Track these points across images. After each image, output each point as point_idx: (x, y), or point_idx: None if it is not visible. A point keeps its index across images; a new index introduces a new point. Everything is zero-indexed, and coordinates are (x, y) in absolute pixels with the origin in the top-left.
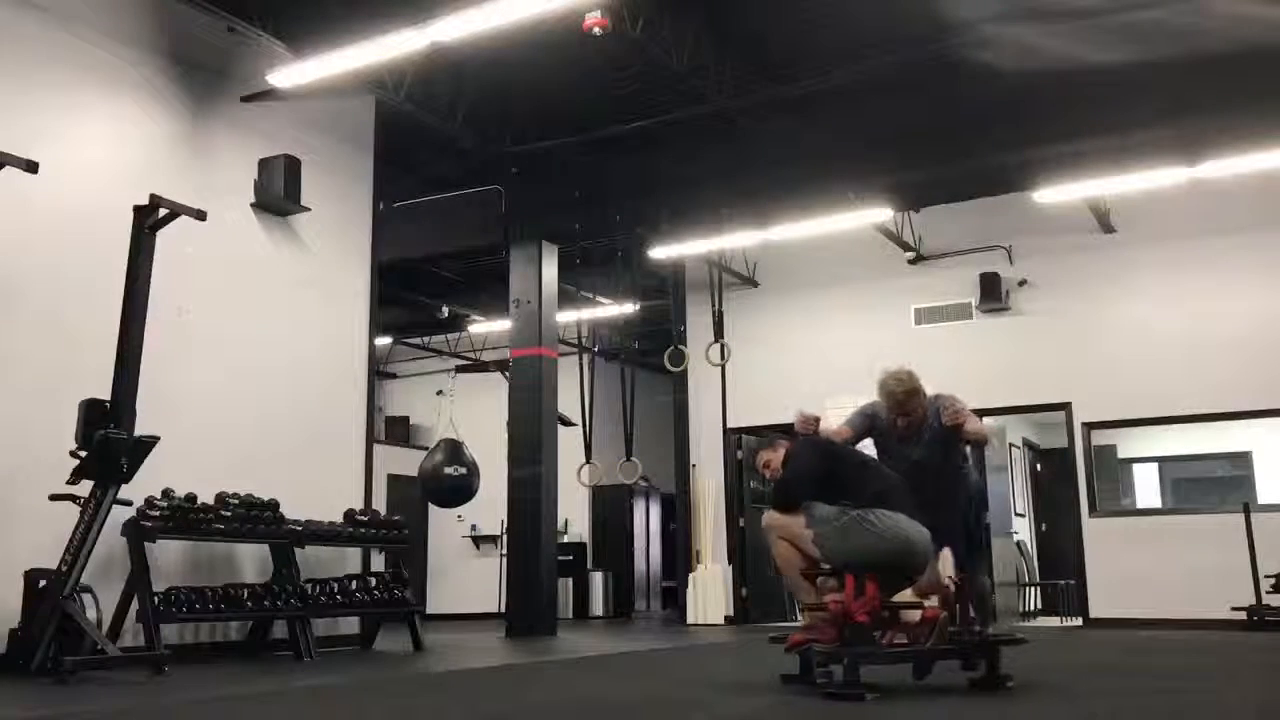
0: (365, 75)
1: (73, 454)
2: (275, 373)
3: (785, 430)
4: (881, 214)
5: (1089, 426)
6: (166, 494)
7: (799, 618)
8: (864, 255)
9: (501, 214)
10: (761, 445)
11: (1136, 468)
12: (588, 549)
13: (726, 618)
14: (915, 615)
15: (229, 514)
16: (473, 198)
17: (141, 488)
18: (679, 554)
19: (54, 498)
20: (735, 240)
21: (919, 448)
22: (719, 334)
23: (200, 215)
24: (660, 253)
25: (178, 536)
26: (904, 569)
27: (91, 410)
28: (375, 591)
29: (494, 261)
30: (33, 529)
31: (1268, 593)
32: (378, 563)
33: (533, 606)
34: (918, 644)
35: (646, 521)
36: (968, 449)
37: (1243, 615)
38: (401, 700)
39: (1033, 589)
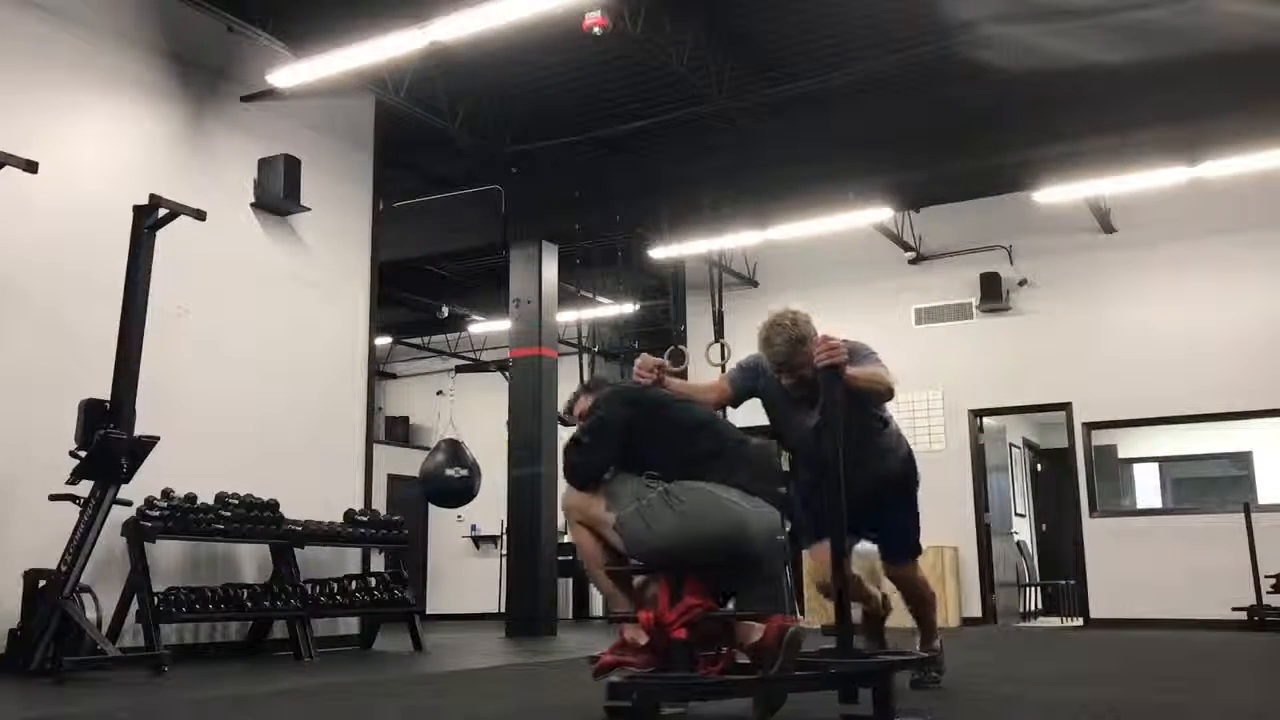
0: (365, 75)
1: (73, 454)
2: (275, 373)
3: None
4: (881, 214)
5: (1089, 426)
6: (166, 494)
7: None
8: (864, 255)
9: (501, 214)
10: (582, 390)
11: (1137, 468)
12: None
13: None
14: (758, 629)
15: (229, 514)
16: (473, 198)
17: (141, 488)
18: None
19: (54, 498)
20: (735, 240)
21: (816, 412)
22: (719, 334)
23: (200, 215)
24: (660, 253)
25: (178, 537)
26: (736, 563)
27: (91, 410)
28: (375, 592)
29: (494, 261)
30: (33, 529)
31: (1268, 593)
32: (378, 563)
33: (533, 606)
34: (760, 668)
35: None
36: (887, 414)
37: (1243, 615)
38: (401, 700)
39: (1033, 589)
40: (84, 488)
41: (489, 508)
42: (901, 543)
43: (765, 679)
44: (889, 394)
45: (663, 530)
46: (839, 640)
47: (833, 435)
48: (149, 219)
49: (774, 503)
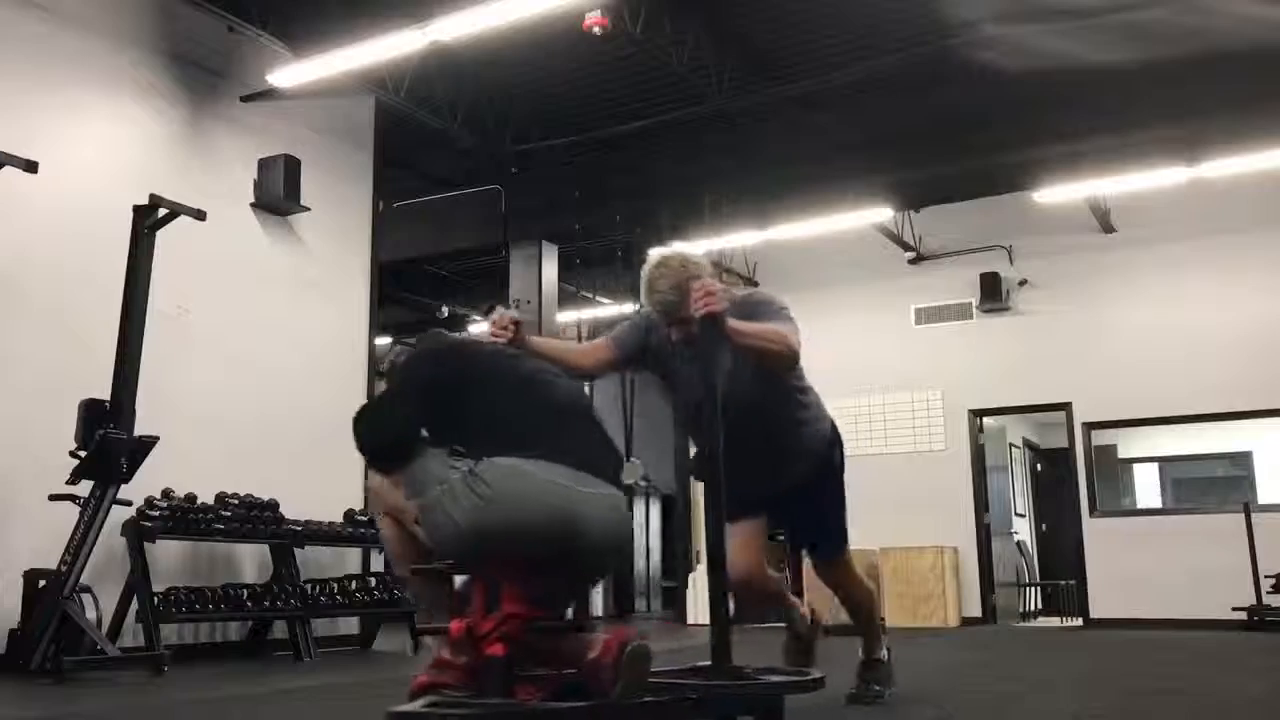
0: (365, 75)
1: (73, 454)
2: (275, 372)
3: None
4: (881, 214)
5: (1089, 426)
6: (166, 494)
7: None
8: (864, 255)
9: (501, 214)
10: (406, 348)
11: (1137, 468)
12: None
13: None
14: (596, 643)
15: (229, 514)
16: (473, 198)
17: (141, 488)
18: (678, 554)
19: (54, 498)
20: (735, 240)
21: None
22: None
23: (200, 215)
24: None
25: (178, 536)
26: (563, 560)
27: (91, 410)
28: (375, 592)
29: (494, 261)
30: (33, 529)
31: (1268, 593)
32: (378, 563)
33: None
34: (596, 692)
35: (646, 522)
36: (800, 383)
37: (1243, 615)
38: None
39: (1033, 589)
40: (84, 488)
41: None
42: (824, 535)
43: (600, 705)
44: (790, 357)
45: (464, 521)
46: (712, 655)
47: (712, 407)
48: (149, 219)
49: (618, 484)
